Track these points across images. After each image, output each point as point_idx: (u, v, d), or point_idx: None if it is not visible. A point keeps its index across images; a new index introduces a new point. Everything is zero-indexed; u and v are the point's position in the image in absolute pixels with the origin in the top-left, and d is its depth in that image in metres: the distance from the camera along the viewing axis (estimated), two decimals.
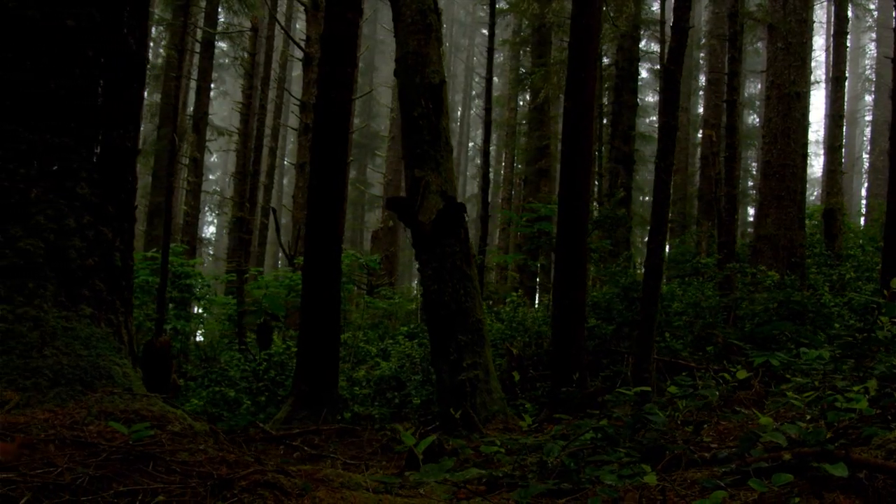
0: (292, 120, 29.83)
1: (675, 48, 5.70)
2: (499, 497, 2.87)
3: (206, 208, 37.06)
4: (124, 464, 2.42)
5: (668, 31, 19.34)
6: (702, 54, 24.35)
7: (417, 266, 6.23)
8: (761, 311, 7.69)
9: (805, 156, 13.70)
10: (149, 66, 17.76)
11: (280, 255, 34.26)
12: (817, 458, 2.35)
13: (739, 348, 6.46)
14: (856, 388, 2.75)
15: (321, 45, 7.18)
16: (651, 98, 35.90)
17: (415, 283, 36.97)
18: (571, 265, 6.53)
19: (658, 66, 26.80)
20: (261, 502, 2.31)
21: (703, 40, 21.93)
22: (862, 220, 24.79)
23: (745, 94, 30.83)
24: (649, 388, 4.29)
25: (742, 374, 3.21)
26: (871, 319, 7.85)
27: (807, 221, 14.33)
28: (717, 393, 3.38)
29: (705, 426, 3.55)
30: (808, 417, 2.96)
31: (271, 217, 20.03)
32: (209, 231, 47.07)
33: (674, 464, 2.99)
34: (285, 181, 39.07)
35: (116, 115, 3.20)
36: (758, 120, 31.22)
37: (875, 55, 32.48)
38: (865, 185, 32.45)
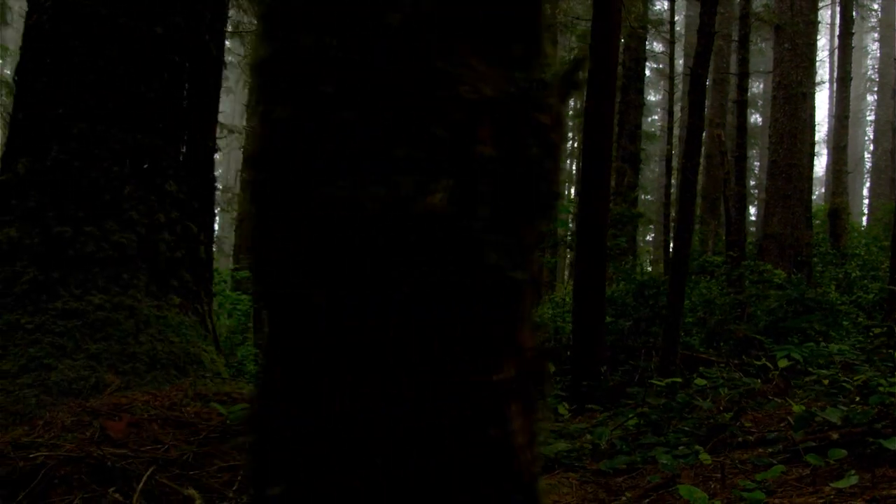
0: None
1: (702, 52, 5.88)
2: (559, 476, 3.06)
3: None
4: (222, 442, 2.61)
5: (676, 31, 19.51)
6: None
7: None
8: (776, 308, 7.90)
9: (812, 155, 13.89)
10: None
11: None
12: (868, 436, 2.55)
13: (759, 343, 6.66)
14: None
15: None
16: (653, 97, 36.05)
17: None
18: (592, 262, 6.70)
19: (662, 66, 26.92)
20: None
21: None
22: (864, 219, 24.98)
23: (749, 94, 30.92)
24: (680, 380, 4.47)
25: (783, 363, 3.41)
26: (878, 317, 8.07)
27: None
28: (759, 381, 3.58)
29: (743, 412, 3.74)
30: (857, 399, 3.16)
31: None
32: None
33: (721, 445, 3.19)
34: None
35: (199, 117, 3.39)
36: (760, 119, 31.37)
37: (878, 55, 32.67)
38: (868, 184, 32.67)
